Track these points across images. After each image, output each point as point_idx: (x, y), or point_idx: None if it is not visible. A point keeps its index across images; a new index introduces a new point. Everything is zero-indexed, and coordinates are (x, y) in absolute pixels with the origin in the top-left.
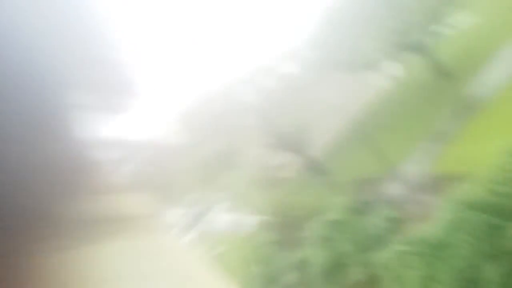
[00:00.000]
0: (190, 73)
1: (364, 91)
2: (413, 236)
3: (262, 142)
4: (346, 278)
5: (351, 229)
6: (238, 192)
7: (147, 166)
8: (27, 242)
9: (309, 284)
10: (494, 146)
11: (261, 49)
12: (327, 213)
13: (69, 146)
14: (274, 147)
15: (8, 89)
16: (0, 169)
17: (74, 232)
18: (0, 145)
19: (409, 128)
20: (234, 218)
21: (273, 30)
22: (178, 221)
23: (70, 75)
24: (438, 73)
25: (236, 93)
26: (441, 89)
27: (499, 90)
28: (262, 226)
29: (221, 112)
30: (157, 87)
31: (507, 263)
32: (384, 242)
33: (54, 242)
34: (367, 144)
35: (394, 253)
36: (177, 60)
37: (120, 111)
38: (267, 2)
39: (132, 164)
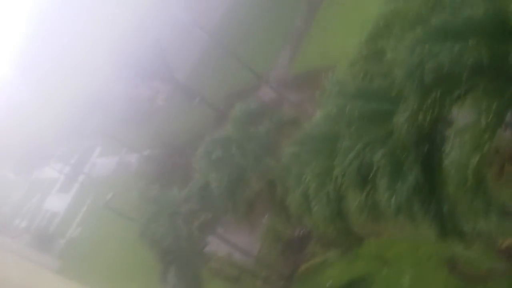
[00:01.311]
0: None
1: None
2: (301, 135)
3: (126, 76)
4: (247, 191)
5: (240, 142)
6: (110, 132)
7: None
8: None
9: (211, 207)
10: (351, 34)
11: None
12: (213, 134)
13: None
14: (139, 79)
15: None
16: None
17: None
18: None
19: (267, 32)
20: (114, 161)
21: None
22: (58, 177)
23: None
24: None
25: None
26: None
27: None
28: (146, 161)
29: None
30: None
31: (393, 146)
32: (275, 147)
33: None
34: (231, 57)
35: (288, 155)
36: None
37: None
38: None
39: None
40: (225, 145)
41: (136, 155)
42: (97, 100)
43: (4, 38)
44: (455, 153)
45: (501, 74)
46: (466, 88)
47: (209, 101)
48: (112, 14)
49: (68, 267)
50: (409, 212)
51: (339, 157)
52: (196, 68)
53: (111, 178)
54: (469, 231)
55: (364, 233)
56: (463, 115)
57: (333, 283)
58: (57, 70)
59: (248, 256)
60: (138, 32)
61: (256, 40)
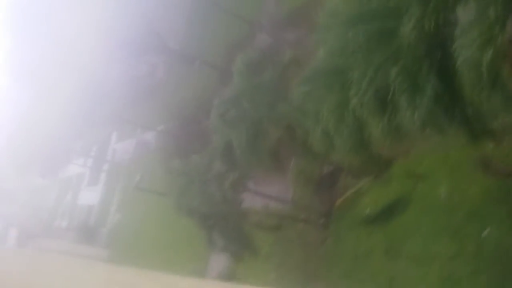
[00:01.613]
0: None
1: None
2: (308, 73)
3: (120, 57)
4: (267, 141)
5: (250, 95)
6: (121, 116)
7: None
8: None
9: (237, 166)
10: None
11: None
12: (221, 94)
13: None
14: (134, 57)
15: None
16: None
17: None
18: None
19: None
20: (132, 143)
21: None
22: (83, 171)
23: None
24: None
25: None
26: None
27: None
28: (162, 136)
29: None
30: None
31: (405, 61)
32: (285, 91)
33: None
34: (218, 11)
35: (299, 95)
36: None
37: None
38: None
39: None
40: (236, 102)
41: (151, 133)
42: (99, 88)
43: None
44: (466, 52)
45: None
46: None
47: (209, 62)
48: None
49: (116, 254)
50: (435, 124)
51: (353, 87)
52: (187, 31)
53: (134, 160)
54: (497, 128)
55: (392, 155)
56: (469, 13)
57: (372, 209)
58: (50, 67)
59: (283, 203)
60: (121, 10)
61: None
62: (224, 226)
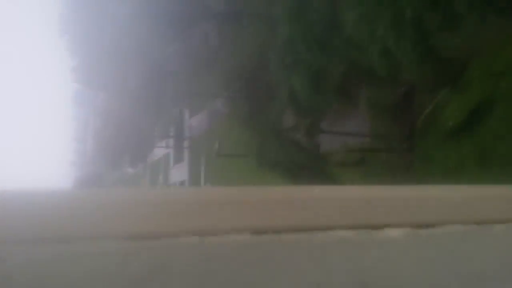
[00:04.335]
0: None
1: None
2: None
3: (172, 35)
4: (330, 78)
5: (304, 35)
6: (187, 92)
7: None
8: None
9: (306, 111)
10: None
11: None
12: (277, 41)
13: None
14: (183, 32)
15: None
16: None
17: None
18: None
19: None
20: (204, 115)
21: None
22: (168, 152)
23: None
24: None
25: None
26: None
27: None
28: (230, 102)
29: None
30: None
31: None
32: (337, 21)
33: None
34: None
35: (353, 20)
36: None
37: None
38: None
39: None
40: (289, 47)
41: (220, 100)
42: (159, 69)
43: None
44: None
45: None
46: None
47: (256, 14)
48: None
49: None
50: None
51: None
52: None
53: (210, 131)
54: None
55: (464, 57)
56: None
57: (455, 120)
58: (113, 61)
59: (362, 137)
60: None
61: None
62: (308, 173)
